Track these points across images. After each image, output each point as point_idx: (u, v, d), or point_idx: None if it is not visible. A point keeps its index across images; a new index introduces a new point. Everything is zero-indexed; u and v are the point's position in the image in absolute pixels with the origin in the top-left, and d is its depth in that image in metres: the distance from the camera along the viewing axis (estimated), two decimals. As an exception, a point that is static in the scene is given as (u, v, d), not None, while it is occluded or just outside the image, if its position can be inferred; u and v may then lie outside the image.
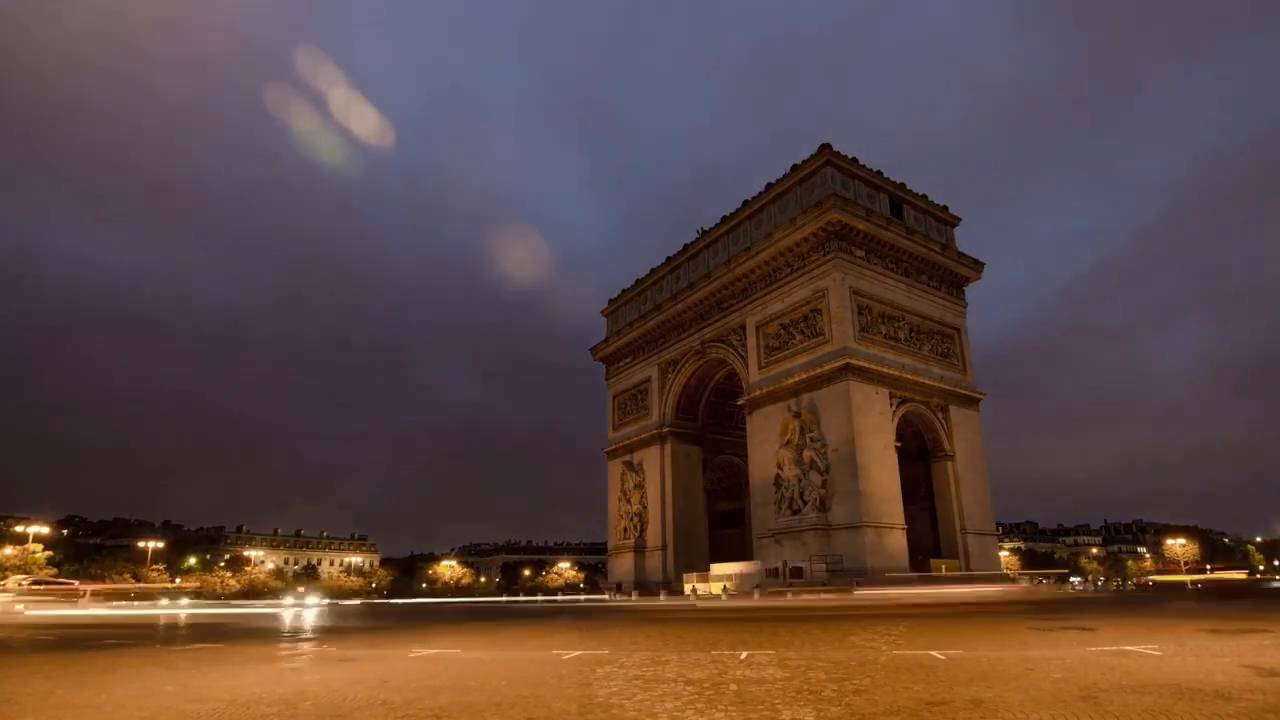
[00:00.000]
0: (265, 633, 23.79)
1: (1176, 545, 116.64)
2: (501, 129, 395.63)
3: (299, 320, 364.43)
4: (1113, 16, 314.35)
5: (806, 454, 57.72)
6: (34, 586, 58.78)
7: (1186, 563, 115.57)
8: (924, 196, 68.91)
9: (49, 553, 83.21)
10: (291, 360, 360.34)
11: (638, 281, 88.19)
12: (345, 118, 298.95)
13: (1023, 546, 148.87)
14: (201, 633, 23.70)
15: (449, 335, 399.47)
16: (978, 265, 69.53)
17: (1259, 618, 20.23)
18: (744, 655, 12.53)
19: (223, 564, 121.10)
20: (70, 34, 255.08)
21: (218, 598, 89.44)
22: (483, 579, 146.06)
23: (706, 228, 76.34)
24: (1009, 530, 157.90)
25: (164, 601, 65.65)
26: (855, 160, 64.02)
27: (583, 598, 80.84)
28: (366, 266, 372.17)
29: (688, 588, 61.90)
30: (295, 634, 22.65)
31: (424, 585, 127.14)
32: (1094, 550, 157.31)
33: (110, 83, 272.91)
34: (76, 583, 67.74)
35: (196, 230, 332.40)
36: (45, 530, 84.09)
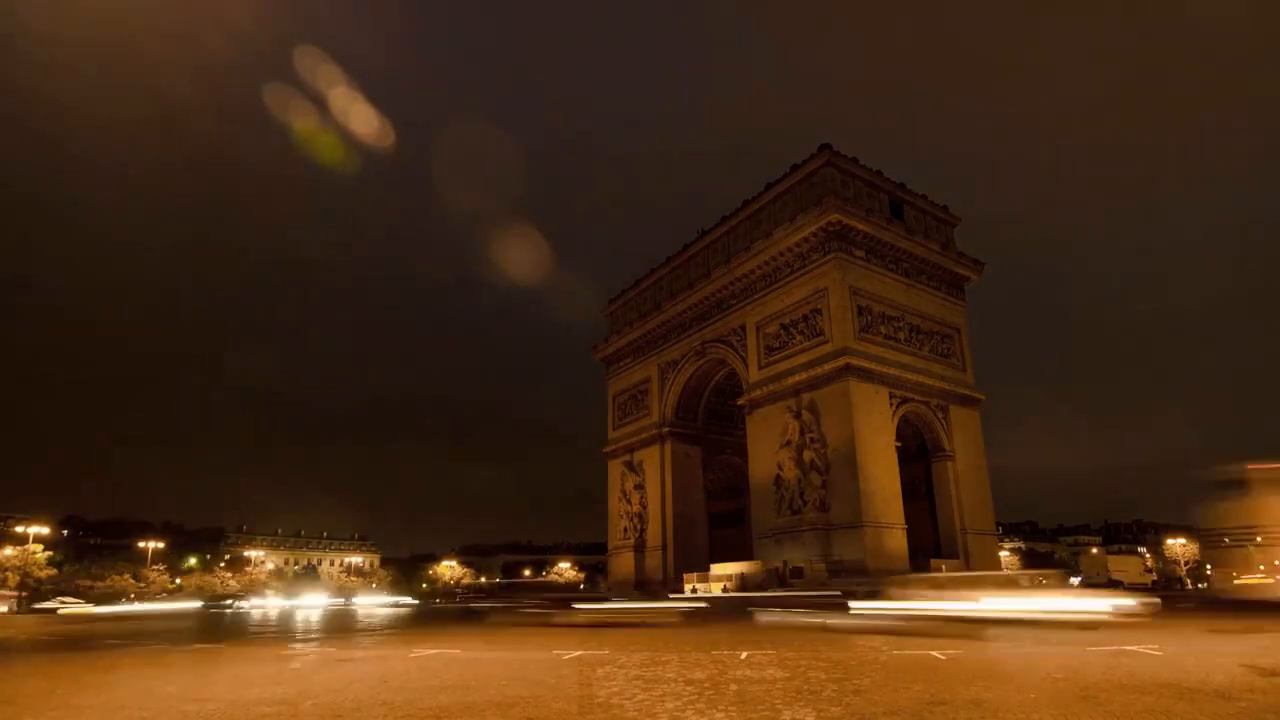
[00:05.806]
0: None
1: (1177, 545, 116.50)
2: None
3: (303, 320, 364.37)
4: None
5: (806, 454, 57.71)
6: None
7: (1187, 563, 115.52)
8: (924, 196, 68.91)
9: (49, 553, 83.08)
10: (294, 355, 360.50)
11: (638, 281, 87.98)
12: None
13: (1023, 546, 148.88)
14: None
15: (447, 334, 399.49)
16: (978, 265, 69.58)
17: (1259, 618, 20.20)
18: (744, 655, 12.51)
19: (223, 564, 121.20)
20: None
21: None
22: (483, 579, 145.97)
23: (706, 228, 76.32)
24: (1009, 530, 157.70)
25: None
26: (855, 160, 64.02)
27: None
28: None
29: (688, 588, 61.81)
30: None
31: (424, 585, 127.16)
32: (1094, 550, 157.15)
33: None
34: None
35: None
36: (45, 530, 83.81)
